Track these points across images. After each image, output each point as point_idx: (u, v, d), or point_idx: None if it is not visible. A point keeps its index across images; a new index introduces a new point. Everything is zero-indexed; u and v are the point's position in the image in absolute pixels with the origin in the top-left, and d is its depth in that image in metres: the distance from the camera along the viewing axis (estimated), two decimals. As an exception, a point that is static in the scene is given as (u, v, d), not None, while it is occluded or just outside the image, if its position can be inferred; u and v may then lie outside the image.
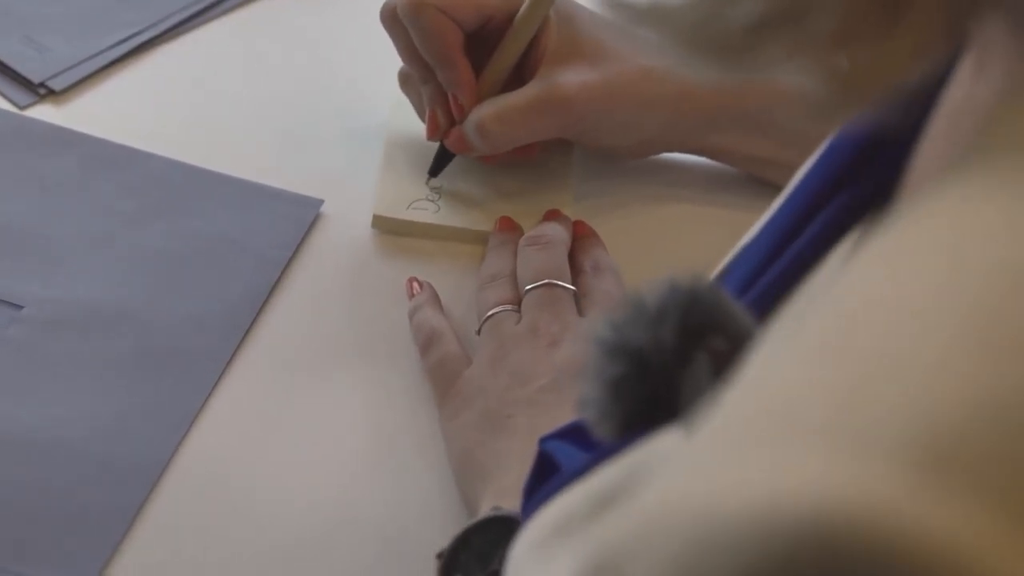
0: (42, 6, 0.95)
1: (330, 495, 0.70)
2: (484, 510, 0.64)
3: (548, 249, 0.76)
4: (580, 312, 0.74)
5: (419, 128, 0.87)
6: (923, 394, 0.26)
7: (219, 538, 0.68)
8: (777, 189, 0.82)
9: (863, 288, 0.30)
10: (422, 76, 0.83)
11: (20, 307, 0.76)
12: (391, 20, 0.81)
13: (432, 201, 0.83)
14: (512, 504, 0.63)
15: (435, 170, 0.84)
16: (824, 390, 0.27)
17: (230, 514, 0.69)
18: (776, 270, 0.49)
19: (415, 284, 0.78)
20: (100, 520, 0.67)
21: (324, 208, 0.83)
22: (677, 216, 0.86)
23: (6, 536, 0.66)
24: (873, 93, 0.35)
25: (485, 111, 0.80)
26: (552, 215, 0.81)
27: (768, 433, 0.28)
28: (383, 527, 0.69)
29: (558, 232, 0.77)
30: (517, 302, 0.74)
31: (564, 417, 0.66)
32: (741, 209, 0.85)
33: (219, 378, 0.74)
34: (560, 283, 0.74)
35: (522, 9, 0.80)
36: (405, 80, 0.85)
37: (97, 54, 0.91)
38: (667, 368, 0.42)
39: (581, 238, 0.80)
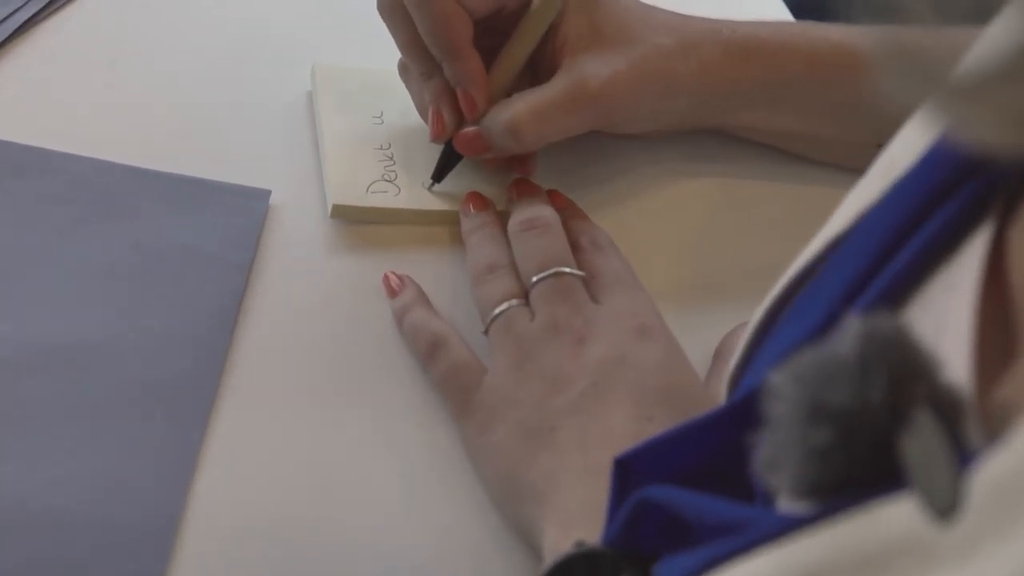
0: None
1: (353, 520, 0.65)
2: (553, 538, 0.60)
3: (548, 233, 0.71)
4: (591, 296, 0.70)
5: (354, 95, 0.81)
6: None
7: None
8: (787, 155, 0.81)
9: None
10: (425, 71, 0.76)
11: (-32, 354, 0.68)
12: (393, 7, 0.74)
13: (390, 181, 0.77)
14: (585, 532, 0.59)
15: (439, 175, 0.77)
16: None
17: (260, 561, 0.63)
18: (897, 265, 0.46)
19: (393, 278, 0.73)
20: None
21: (271, 199, 0.77)
22: (653, 182, 0.82)
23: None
24: None
25: (518, 109, 0.74)
26: (524, 188, 0.76)
27: None
28: (418, 555, 0.65)
29: (551, 213, 0.73)
30: (523, 295, 0.70)
31: (615, 421, 0.63)
32: (715, 167, 0.83)
33: (210, 409, 0.68)
34: (568, 270, 0.70)
35: None
36: (405, 71, 0.78)
37: (-25, 40, 0.81)
38: (878, 429, 0.38)
39: (562, 211, 0.75)
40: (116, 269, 0.72)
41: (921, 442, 0.38)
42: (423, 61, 0.76)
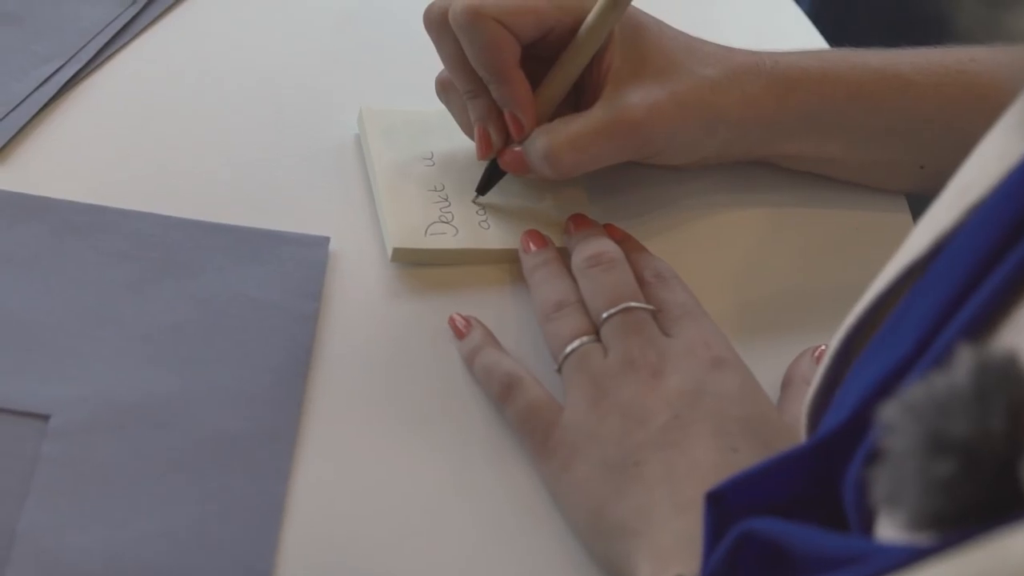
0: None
1: (443, 568, 0.66)
2: (648, 573, 0.61)
3: (614, 269, 0.72)
4: (662, 329, 0.70)
5: (404, 138, 0.81)
6: None
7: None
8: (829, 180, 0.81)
9: None
10: (471, 90, 0.76)
11: (46, 417, 0.67)
12: (440, 27, 0.75)
13: (447, 223, 0.78)
14: (681, 566, 0.60)
15: (484, 188, 0.79)
16: None
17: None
18: (986, 291, 0.46)
19: (459, 320, 0.73)
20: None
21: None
22: (699, 204, 0.83)
23: None
24: None
25: (556, 137, 0.74)
26: (580, 222, 0.77)
27: None
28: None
29: (615, 248, 0.73)
30: (593, 331, 0.70)
31: (699, 453, 0.64)
32: (764, 189, 0.84)
33: (291, 459, 0.68)
34: (638, 305, 0.70)
35: (587, 23, 0.75)
36: (445, 89, 0.79)
37: (25, 99, 0.81)
38: (999, 459, 0.39)
39: (622, 243, 0.76)
40: (183, 325, 0.72)
41: None
42: (469, 81, 0.77)
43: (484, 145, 0.77)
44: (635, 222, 0.80)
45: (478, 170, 0.80)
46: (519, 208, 0.79)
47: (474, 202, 0.79)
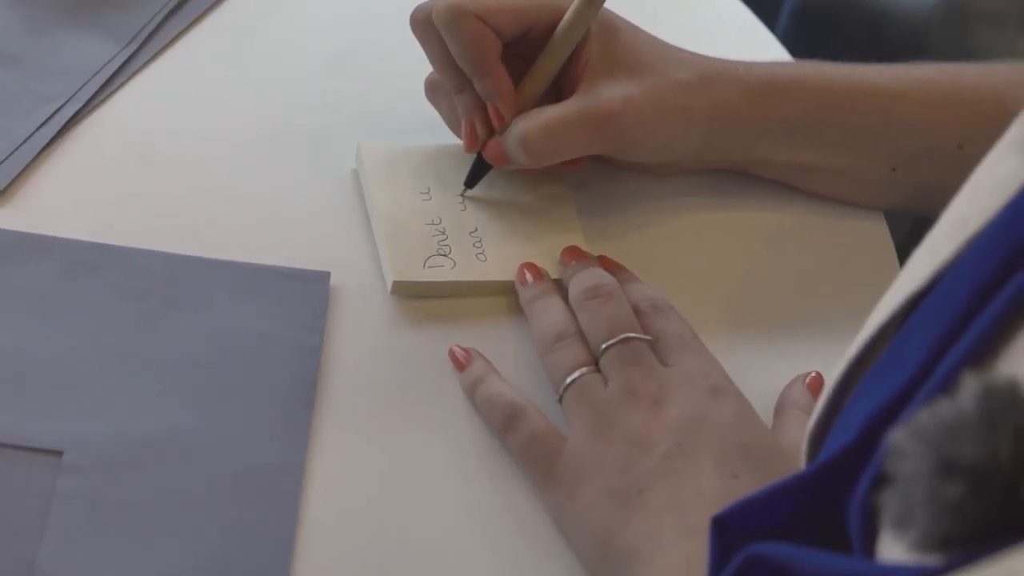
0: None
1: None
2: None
3: (611, 300, 0.74)
4: (658, 359, 0.72)
5: (401, 172, 0.83)
6: None
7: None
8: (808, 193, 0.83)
9: None
10: (456, 86, 0.80)
11: (59, 453, 0.69)
12: (424, 26, 0.79)
13: (444, 255, 0.79)
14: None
15: (471, 181, 0.82)
16: None
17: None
18: (985, 320, 0.48)
19: (459, 352, 0.75)
20: None
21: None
22: (686, 226, 0.85)
23: None
24: None
25: (530, 124, 0.78)
26: (574, 254, 0.79)
27: None
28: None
29: (611, 279, 0.75)
30: (593, 362, 0.72)
31: (703, 481, 0.66)
32: (749, 209, 0.86)
33: (300, 490, 0.70)
34: (637, 335, 0.72)
35: (564, 21, 0.78)
36: (433, 89, 0.82)
37: (27, 139, 0.82)
38: (1009, 481, 0.41)
39: (617, 274, 0.78)
40: (191, 359, 0.74)
41: None
42: (455, 76, 0.80)
43: (470, 137, 0.81)
44: (623, 241, 0.83)
45: (475, 205, 0.82)
46: (515, 240, 0.81)
47: (462, 196, 0.82)
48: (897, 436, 0.43)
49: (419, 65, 0.82)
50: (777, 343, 0.80)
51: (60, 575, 0.65)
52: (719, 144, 0.83)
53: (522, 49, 0.80)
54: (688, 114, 0.80)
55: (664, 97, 0.79)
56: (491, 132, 0.80)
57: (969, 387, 0.42)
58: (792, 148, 0.84)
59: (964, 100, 0.82)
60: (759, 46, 0.98)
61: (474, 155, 0.82)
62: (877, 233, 0.86)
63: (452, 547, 0.69)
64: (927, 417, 0.42)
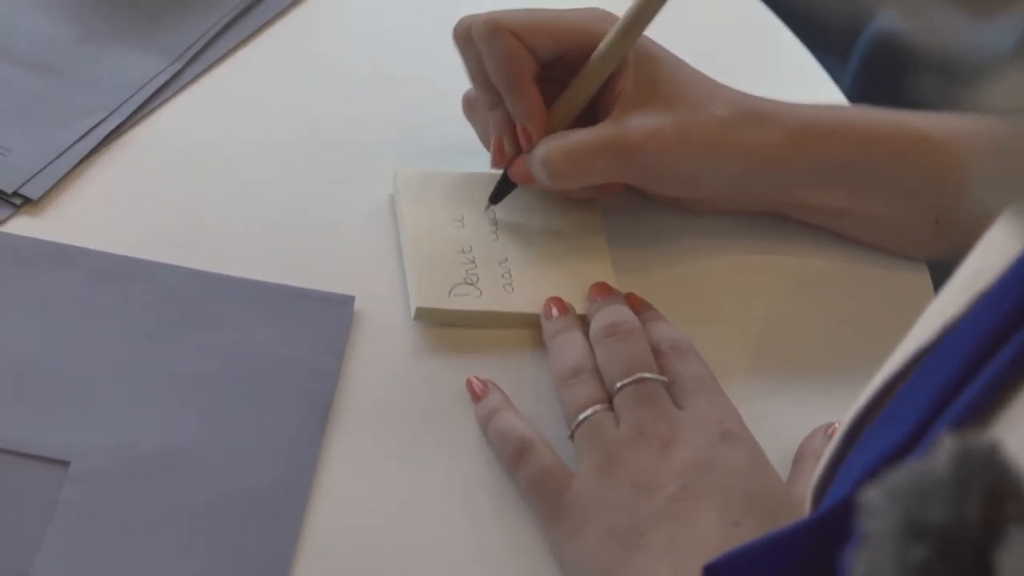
0: (-18, 97, 0.86)
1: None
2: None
3: (630, 339, 0.72)
4: (674, 401, 0.70)
5: (436, 199, 0.82)
6: None
7: None
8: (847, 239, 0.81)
9: None
10: (490, 102, 0.80)
11: (66, 463, 0.69)
12: (465, 40, 0.79)
13: (471, 284, 0.79)
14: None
15: (496, 197, 0.82)
16: None
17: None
18: (983, 381, 0.47)
19: (476, 383, 0.74)
20: None
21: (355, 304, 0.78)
22: (720, 265, 0.83)
23: None
24: None
25: (553, 145, 0.77)
26: (602, 290, 0.77)
27: None
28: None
29: (632, 318, 0.74)
30: (607, 399, 0.71)
31: (704, 527, 0.64)
32: (786, 252, 0.84)
33: (303, 515, 0.69)
34: (652, 376, 0.71)
35: (600, 47, 0.77)
36: (470, 105, 0.82)
37: (66, 150, 0.83)
38: (974, 546, 0.39)
39: (642, 313, 0.76)
40: (205, 376, 0.73)
41: (1014, 559, 0.39)
42: (489, 91, 0.80)
43: (497, 154, 0.80)
44: (654, 275, 0.82)
45: (508, 235, 0.82)
46: (544, 272, 0.80)
47: (495, 228, 0.81)
48: (870, 493, 0.41)
49: (464, 90, 0.82)
50: (805, 392, 0.78)
51: (54, 585, 0.64)
52: (755, 184, 0.81)
53: (560, 72, 0.80)
54: (721, 151, 0.79)
55: (695, 132, 0.78)
56: (519, 150, 0.80)
57: (945, 447, 0.40)
58: (830, 193, 0.82)
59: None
60: (816, 88, 0.96)
61: (500, 171, 0.81)
62: (919, 284, 0.83)
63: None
64: (901, 476, 0.41)
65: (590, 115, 0.80)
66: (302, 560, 0.67)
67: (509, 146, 0.80)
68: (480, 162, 0.83)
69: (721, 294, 0.82)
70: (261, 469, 0.70)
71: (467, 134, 0.83)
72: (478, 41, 0.78)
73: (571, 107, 0.79)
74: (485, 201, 0.83)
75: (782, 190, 0.81)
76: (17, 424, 0.70)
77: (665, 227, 0.84)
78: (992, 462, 0.40)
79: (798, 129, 0.80)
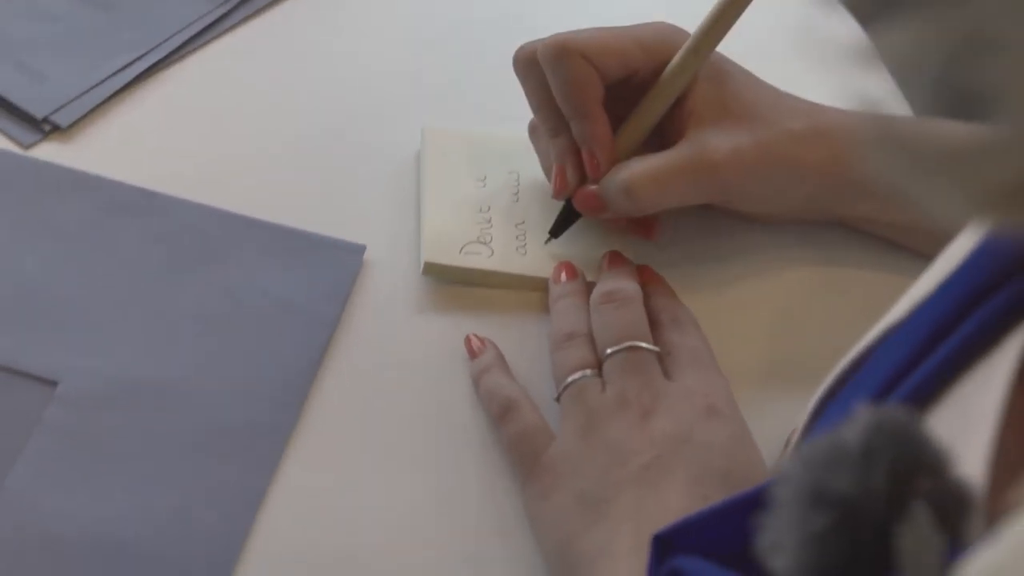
0: (29, 26, 0.87)
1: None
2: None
3: (626, 307, 0.71)
4: (665, 372, 0.69)
5: (461, 157, 0.82)
6: None
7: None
8: (918, 257, 0.78)
9: None
10: (552, 129, 0.77)
11: (54, 383, 0.69)
12: (528, 65, 0.76)
13: (484, 244, 0.78)
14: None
15: (557, 231, 0.78)
16: None
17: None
18: (935, 360, 0.47)
19: (475, 341, 0.73)
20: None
21: (366, 254, 0.78)
22: (788, 281, 0.80)
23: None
24: None
25: (636, 170, 0.74)
26: (615, 260, 0.76)
27: None
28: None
29: (633, 287, 0.72)
30: (597, 365, 0.69)
31: (671, 497, 0.62)
32: (855, 266, 0.81)
33: (280, 457, 0.68)
34: (643, 345, 0.69)
35: (669, 67, 0.75)
36: (535, 131, 0.79)
37: (100, 83, 0.84)
38: (876, 517, 0.39)
39: (650, 285, 0.75)
40: (207, 313, 0.73)
41: (915, 533, 0.38)
42: (552, 119, 0.77)
43: (560, 183, 0.77)
44: (691, 268, 0.79)
45: (529, 197, 0.80)
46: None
47: (546, 244, 0.78)
48: (787, 462, 0.41)
49: (503, 57, 0.79)
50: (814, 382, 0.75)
51: (24, 499, 0.65)
52: (825, 198, 0.78)
53: (623, 93, 0.77)
54: (797, 166, 0.76)
55: (773, 148, 0.75)
56: (582, 179, 0.77)
57: (859, 420, 0.40)
58: (894, 208, 0.78)
59: None
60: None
61: (562, 203, 0.78)
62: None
63: (422, 534, 0.67)
64: (816, 445, 0.41)
65: (654, 138, 0.77)
66: (272, 501, 0.67)
67: (572, 175, 0.76)
68: (510, 125, 0.82)
69: (786, 310, 0.79)
70: (247, 408, 0.70)
71: (499, 96, 0.82)
72: (545, 65, 0.75)
73: (638, 131, 0.76)
74: (510, 162, 0.82)
75: (847, 205, 0.78)
76: (12, 341, 0.71)
77: (729, 238, 0.82)
78: (904, 436, 0.39)
79: None
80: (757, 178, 0.75)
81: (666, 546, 0.53)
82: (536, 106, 0.78)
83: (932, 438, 0.40)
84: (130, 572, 0.63)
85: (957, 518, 0.36)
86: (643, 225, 0.79)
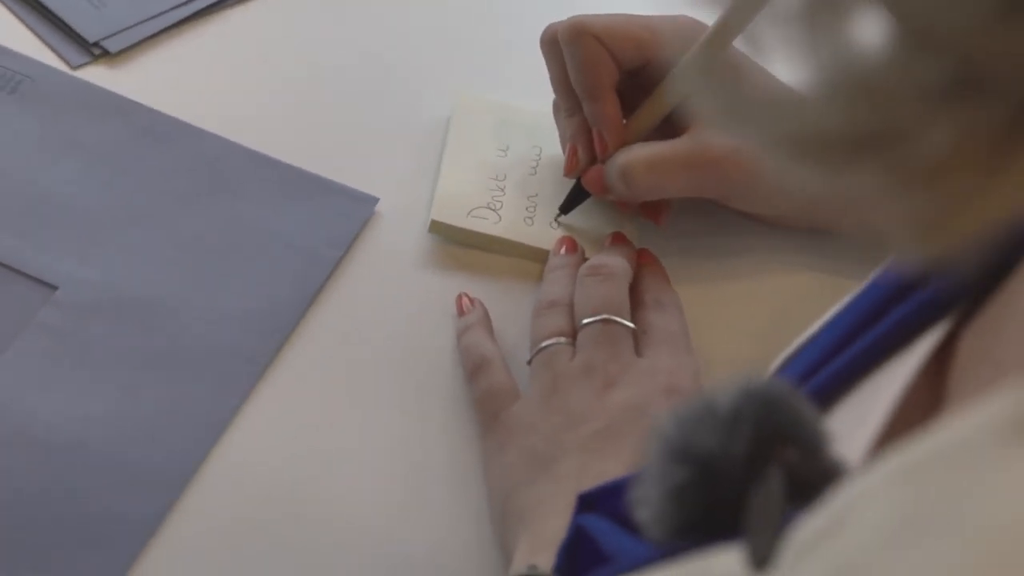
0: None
1: (357, 520, 0.66)
2: (518, 561, 0.61)
3: (609, 281, 0.72)
4: (637, 350, 0.70)
5: (488, 125, 0.83)
6: None
7: (241, 554, 0.65)
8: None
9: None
10: (569, 108, 0.79)
11: (54, 288, 0.72)
12: (550, 44, 0.78)
13: (493, 210, 0.79)
14: (548, 559, 0.60)
15: (567, 208, 0.80)
16: None
17: (255, 531, 0.65)
18: (841, 361, 0.48)
19: (465, 300, 0.75)
20: (122, 530, 0.64)
21: (379, 207, 0.80)
22: (792, 285, 0.80)
23: (22, 544, 0.63)
24: (956, 236, 0.32)
25: (634, 156, 0.76)
26: (617, 239, 0.77)
27: None
28: (408, 553, 0.66)
29: (620, 264, 0.73)
30: (572, 334, 0.70)
31: (613, 465, 0.63)
32: (816, 270, 0.81)
33: (256, 382, 0.71)
34: (618, 319, 0.70)
35: (684, 58, 0.75)
36: (556, 111, 0.81)
37: (156, 16, 0.87)
38: (735, 478, 0.40)
39: (644, 267, 0.76)
40: (211, 240, 0.76)
41: (763, 498, 0.39)
42: (569, 98, 0.79)
43: (571, 162, 0.79)
44: (715, 285, 0.80)
45: (546, 173, 0.82)
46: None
47: (556, 220, 0.80)
48: (663, 419, 0.42)
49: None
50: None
51: (1, 393, 0.67)
52: (830, 203, 0.78)
53: (643, 80, 0.78)
54: None
55: None
56: (593, 159, 0.78)
57: (734, 384, 0.41)
58: None
59: None
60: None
61: (573, 181, 0.80)
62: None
63: (375, 472, 0.68)
64: (691, 405, 0.42)
65: (667, 127, 0.78)
66: (240, 425, 0.69)
67: (583, 154, 0.79)
68: (543, 101, 0.83)
69: (788, 315, 0.79)
70: (232, 333, 0.72)
71: (536, 71, 0.83)
72: (563, 45, 0.77)
73: (650, 118, 0.77)
74: (535, 137, 0.83)
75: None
76: (22, 243, 0.74)
77: (736, 238, 0.82)
78: (774, 405, 0.40)
79: None
80: (756, 177, 0.76)
81: (588, 506, 0.54)
82: (555, 85, 0.80)
83: (808, 414, 0.41)
84: (91, 472, 0.65)
85: (819, 492, 0.37)
86: (653, 209, 0.79)
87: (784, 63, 0.32)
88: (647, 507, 0.42)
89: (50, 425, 0.67)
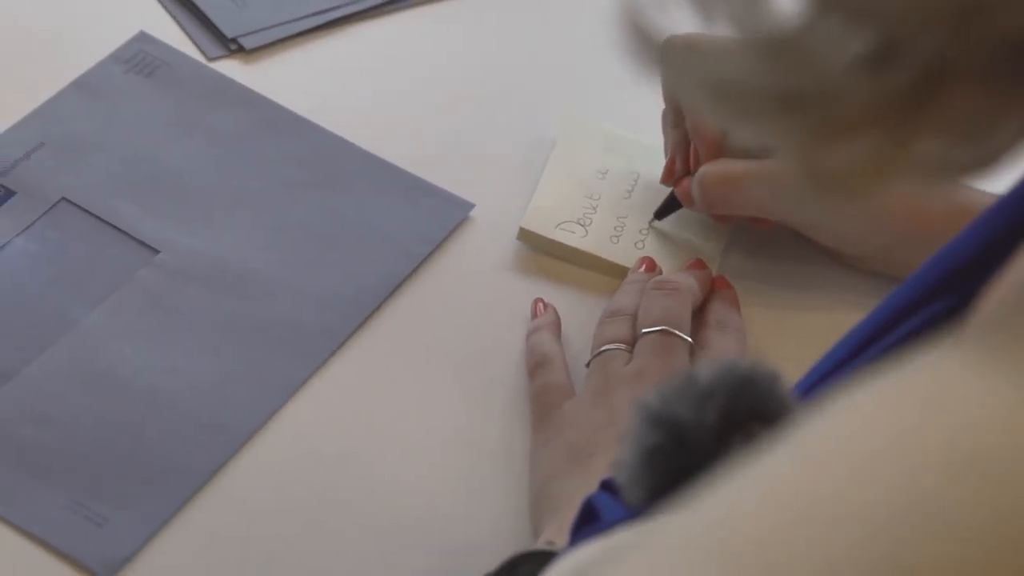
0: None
1: (406, 497, 0.70)
2: (540, 542, 0.63)
3: (673, 296, 0.74)
4: (693, 365, 0.72)
5: (591, 148, 0.86)
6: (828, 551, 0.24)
7: (286, 514, 0.68)
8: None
9: (830, 429, 0.29)
10: (674, 120, 0.82)
11: (156, 251, 0.77)
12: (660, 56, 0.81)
13: (582, 225, 0.82)
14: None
15: (661, 213, 0.83)
16: (753, 523, 0.27)
17: (303, 495, 0.69)
18: (847, 371, 0.48)
19: (540, 305, 0.78)
20: (178, 473, 0.68)
21: (474, 212, 0.83)
22: (821, 302, 0.81)
23: (85, 467, 0.68)
24: (861, 190, 0.34)
25: (713, 167, 0.78)
26: (695, 265, 0.79)
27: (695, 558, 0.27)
28: (451, 538, 0.69)
29: (688, 281, 0.75)
30: (632, 342, 0.73)
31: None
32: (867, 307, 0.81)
33: (328, 358, 0.74)
34: (677, 332, 0.72)
35: None
36: (665, 120, 0.84)
37: (294, 20, 0.92)
38: (705, 447, 0.42)
39: (718, 291, 0.77)
40: (309, 227, 0.80)
41: (728, 464, 0.40)
42: (675, 109, 0.82)
43: (668, 171, 0.82)
44: (773, 292, 0.81)
45: (640, 198, 0.84)
46: (655, 239, 0.82)
47: (650, 224, 0.83)
48: (650, 391, 0.45)
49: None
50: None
51: (91, 338, 0.73)
52: (902, 251, 0.77)
53: None
54: (875, 213, 0.77)
55: None
56: (689, 170, 0.81)
57: (717, 364, 0.44)
58: None
59: None
60: None
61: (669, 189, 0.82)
62: None
63: (425, 456, 0.71)
64: (676, 379, 0.44)
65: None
66: (306, 396, 0.72)
67: (680, 165, 0.81)
68: (647, 134, 0.86)
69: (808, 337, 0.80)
70: (314, 311, 0.76)
71: (645, 100, 0.86)
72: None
73: None
74: (635, 164, 0.85)
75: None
76: (135, 210, 0.79)
77: (808, 268, 0.83)
78: (751, 385, 0.43)
79: (961, 205, 0.76)
80: (826, 211, 0.77)
81: (609, 491, 0.56)
82: (664, 97, 0.82)
83: (783, 394, 0.43)
84: (162, 416, 0.70)
85: None
86: (758, 218, 0.81)
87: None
88: (625, 470, 0.44)
89: (135, 370, 0.72)
